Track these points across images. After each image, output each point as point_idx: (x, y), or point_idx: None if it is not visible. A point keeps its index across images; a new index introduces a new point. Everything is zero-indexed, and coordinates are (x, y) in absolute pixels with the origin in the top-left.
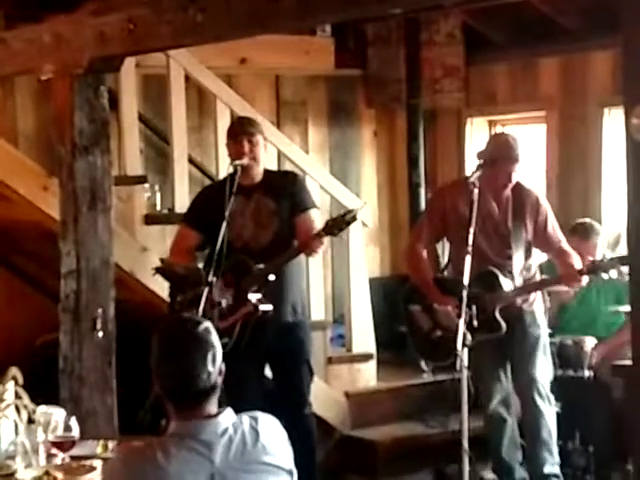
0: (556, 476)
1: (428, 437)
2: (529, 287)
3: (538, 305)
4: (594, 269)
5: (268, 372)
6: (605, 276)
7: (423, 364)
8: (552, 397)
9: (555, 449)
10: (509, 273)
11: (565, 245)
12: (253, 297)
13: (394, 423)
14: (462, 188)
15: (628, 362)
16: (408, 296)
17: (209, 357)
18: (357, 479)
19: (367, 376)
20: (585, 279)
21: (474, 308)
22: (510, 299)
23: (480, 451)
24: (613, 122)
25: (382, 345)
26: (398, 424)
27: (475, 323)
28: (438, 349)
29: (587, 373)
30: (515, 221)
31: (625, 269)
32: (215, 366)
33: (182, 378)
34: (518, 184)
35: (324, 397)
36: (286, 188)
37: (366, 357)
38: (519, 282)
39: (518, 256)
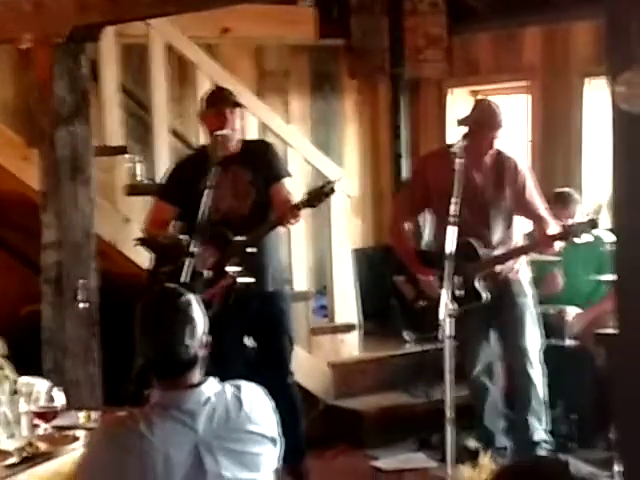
0: (546, 441)
1: (412, 407)
2: (505, 255)
3: (524, 274)
4: (566, 234)
5: (249, 342)
6: (578, 240)
7: (405, 334)
8: (543, 365)
9: (544, 417)
10: (488, 242)
11: (543, 212)
12: (232, 269)
13: (378, 393)
14: (445, 158)
15: (611, 330)
16: (397, 267)
17: (187, 330)
18: (342, 449)
19: (350, 346)
20: (559, 244)
21: (455, 278)
22: (487, 268)
23: (464, 420)
24: (595, 92)
25: (366, 316)
26: (382, 394)
27: (457, 293)
28: (422, 319)
29: (569, 342)
30: (495, 189)
31: (598, 232)
32: (194, 339)
33: (160, 349)
34: (498, 151)
35: (308, 367)
36: (261, 158)
37: (349, 327)
38: (499, 251)
39: (497, 225)
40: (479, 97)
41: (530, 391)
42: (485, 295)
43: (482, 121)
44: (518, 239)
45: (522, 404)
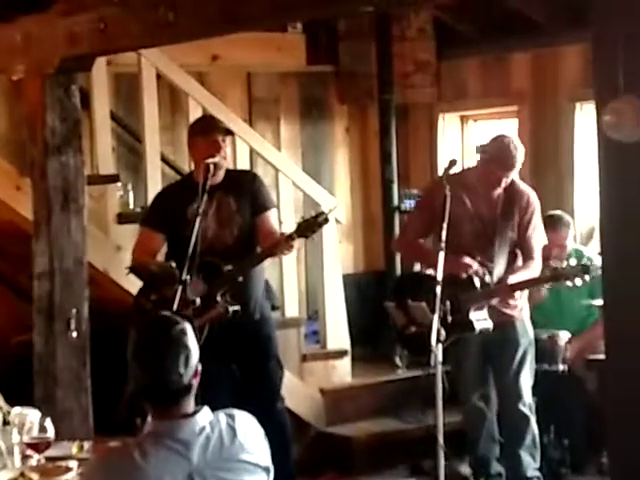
0: (538, 478)
1: (403, 432)
2: (498, 290)
3: (526, 312)
4: (558, 276)
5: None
6: (569, 284)
7: (398, 360)
8: (533, 405)
9: (538, 453)
10: (489, 274)
11: (535, 255)
12: (222, 299)
13: (369, 419)
14: (451, 185)
15: (602, 356)
16: (388, 293)
17: (181, 359)
18: (333, 475)
19: (342, 372)
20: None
21: (448, 304)
22: (483, 301)
23: (456, 446)
24: (585, 116)
25: (356, 341)
26: (373, 420)
27: (449, 319)
28: (413, 345)
29: (561, 367)
30: (503, 221)
31: (591, 256)
32: (188, 367)
33: (154, 378)
34: (512, 183)
35: (299, 394)
36: (247, 187)
37: (341, 353)
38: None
39: (501, 257)
40: (469, 123)
41: (525, 429)
42: (479, 327)
43: (495, 157)
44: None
45: (515, 440)
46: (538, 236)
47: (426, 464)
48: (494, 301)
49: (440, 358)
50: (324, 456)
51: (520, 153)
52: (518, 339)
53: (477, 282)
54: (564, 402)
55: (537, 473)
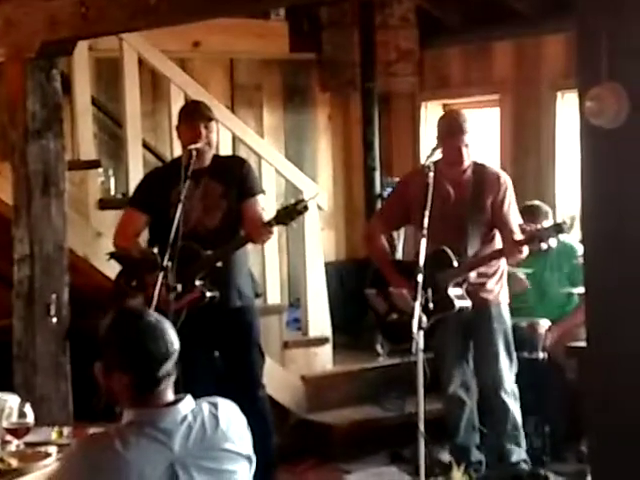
0: (525, 461)
1: (384, 420)
2: (476, 262)
3: (504, 297)
4: (532, 238)
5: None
6: (544, 245)
7: (379, 347)
8: (517, 391)
9: (522, 438)
10: (464, 253)
11: (515, 226)
12: (200, 283)
13: (350, 406)
14: (423, 174)
15: (582, 343)
16: (369, 280)
17: (168, 345)
18: (314, 462)
19: (323, 360)
20: (526, 250)
21: (429, 290)
22: (460, 274)
23: (436, 433)
24: (566, 105)
25: (338, 329)
26: (354, 407)
27: (431, 305)
28: (394, 332)
29: (541, 355)
30: (474, 202)
31: (570, 242)
32: (174, 354)
33: (156, 360)
34: (480, 166)
35: (280, 381)
36: (234, 172)
37: (322, 341)
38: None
39: (474, 239)
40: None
41: (505, 417)
42: (459, 304)
43: (445, 131)
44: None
45: (497, 430)
46: (514, 214)
47: (406, 451)
48: (472, 275)
49: (421, 345)
50: (305, 443)
51: (464, 119)
52: (492, 324)
53: (453, 257)
54: (544, 390)
55: (523, 456)
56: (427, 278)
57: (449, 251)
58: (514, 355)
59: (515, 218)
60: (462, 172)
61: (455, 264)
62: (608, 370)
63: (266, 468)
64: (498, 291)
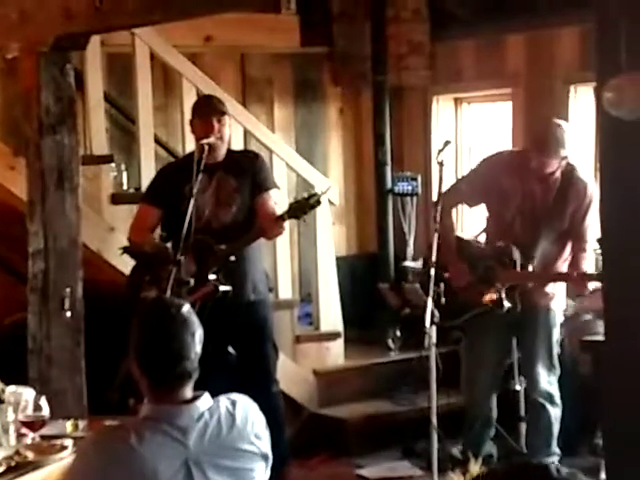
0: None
1: (396, 414)
2: (535, 276)
3: (556, 303)
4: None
5: (232, 351)
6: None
7: (390, 342)
8: (557, 395)
9: (554, 443)
10: (531, 257)
11: (587, 247)
12: (213, 277)
13: (362, 401)
14: (509, 160)
15: (597, 338)
16: (381, 275)
17: (197, 338)
18: (326, 457)
19: (335, 354)
20: (591, 285)
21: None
22: (518, 280)
23: (449, 428)
24: (579, 99)
25: (349, 323)
26: (366, 402)
27: (443, 301)
28: (407, 326)
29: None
30: (555, 206)
31: None
32: (200, 346)
33: (172, 359)
34: (571, 170)
35: (292, 376)
36: (248, 167)
37: (334, 335)
38: (536, 268)
39: (545, 242)
40: (462, 106)
41: (540, 419)
42: (507, 305)
43: (534, 143)
44: (562, 266)
45: (532, 428)
46: (592, 228)
47: (418, 446)
48: (530, 285)
49: (434, 340)
50: (317, 438)
51: (562, 139)
52: (537, 327)
53: (518, 262)
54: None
55: (549, 459)
56: (483, 270)
57: (517, 254)
58: (555, 361)
59: (592, 234)
60: (551, 172)
61: (518, 268)
62: (626, 365)
63: (279, 463)
64: (551, 297)
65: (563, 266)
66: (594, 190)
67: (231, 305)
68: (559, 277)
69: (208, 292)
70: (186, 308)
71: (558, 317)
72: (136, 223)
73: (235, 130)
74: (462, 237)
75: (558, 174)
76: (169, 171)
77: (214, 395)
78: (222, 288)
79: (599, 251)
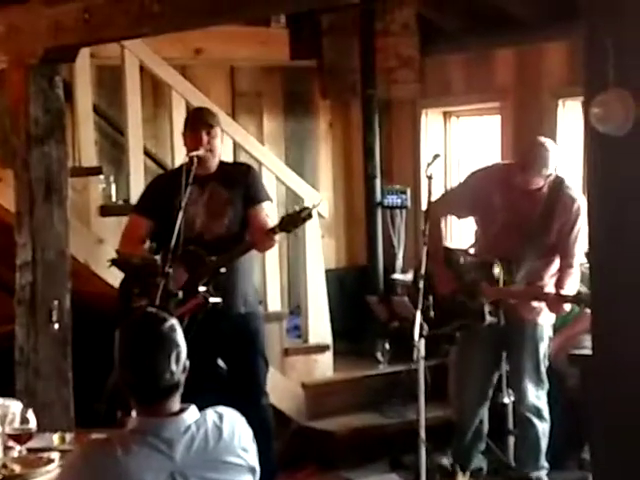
0: (537, 478)
1: (385, 427)
2: (517, 293)
3: (544, 318)
4: (577, 301)
5: (221, 364)
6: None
7: (379, 355)
8: (545, 409)
9: (542, 457)
10: (516, 270)
11: (574, 263)
12: (203, 289)
13: (351, 414)
14: (496, 174)
15: (585, 351)
16: (370, 288)
17: (173, 356)
18: (314, 470)
19: (323, 367)
20: (567, 307)
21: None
22: (499, 296)
23: (437, 440)
24: (568, 113)
25: (338, 336)
26: (355, 414)
27: (432, 314)
28: (395, 339)
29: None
30: (541, 223)
31: None
32: (179, 365)
33: (145, 376)
34: (559, 184)
35: (281, 388)
36: (240, 179)
37: (322, 348)
38: (521, 284)
39: (530, 257)
40: (452, 119)
41: (528, 434)
42: (490, 320)
43: (522, 161)
44: (548, 282)
45: (520, 441)
46: (580, 245)
47: (407, 459)
48: (512, 300)
49: (423, 353)
50: (305, 450)
51: (545, 159)
52: (524, 342)
53: (501, 278)
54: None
55: (541, 474)
56: (468, 283)
57: (499, 269)
58: (544, 375)
59: (580, 250)
60: (537, 188)
61: (501, 284)
62: (613, 379)
63: (267, 476)
64: (537, 311)
65: (551, 281)
66: (582, 204)
67: (221, 317)
68: (536, 296)
69: (198, 304)
70: (168, 324)
71: (546, 331)
72: (126, 234)
73: (224, 142)
74: (450, 247)
75: (545, 189)
76: (160, 182)
77: (204, 407)
78: (212, 300)
79: (587, 266)
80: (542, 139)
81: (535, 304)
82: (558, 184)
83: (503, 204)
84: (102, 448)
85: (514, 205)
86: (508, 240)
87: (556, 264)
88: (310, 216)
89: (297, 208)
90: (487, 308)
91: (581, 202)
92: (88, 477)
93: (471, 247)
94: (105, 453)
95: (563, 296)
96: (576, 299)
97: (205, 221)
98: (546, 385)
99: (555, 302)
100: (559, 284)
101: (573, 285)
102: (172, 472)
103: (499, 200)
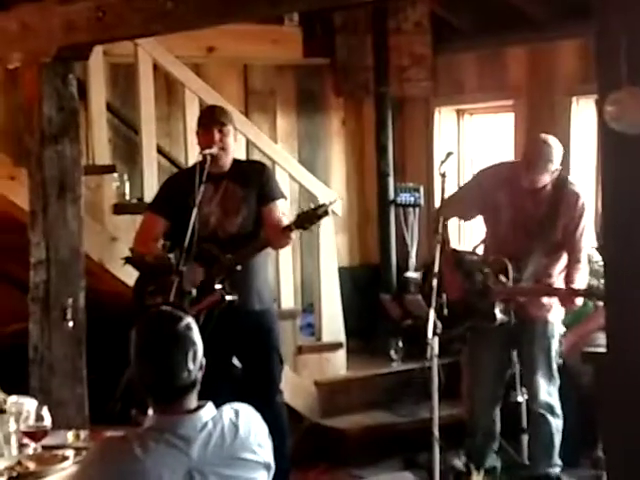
0: (558, 477)
1: (397, 425)
2: (528, 290)
3: (554, 315)
4: (589, 295)
5: (236, 361)
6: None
7: (392, 353)
8: (557, 406)
9: (556, 454)
10: (523, 268)
11: (581, 258)
12: (219, 287)
13: (363, 412)
14: (503, 173)
15: (599, 349)
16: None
17: (189, 355)
18: (327, 468)
19: (337, 365)
20: (579, 301)
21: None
22: (509, 295)
23: (450, 439)
24: (581, 111)
25: (351, 334)
26: (368, 413)
27: (445, 312)
28: (408, 337)
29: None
30: (547, 221)
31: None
32: (195, 363)
33: (162, 375)
34: (563, 181)
35: (294, 386)
36: (254, 177)
37: (335, 346)
38: (529, 281)
39: (537, 256)
40: (464, 117)
41: (541, 431)
42: (500, 319)
43: (525, 160)
44: (557, 279)
45: (533, 438)
46: (586, 240)
47: (420, 457)
48: (522, 298)
49: (436, 351)
50: (318, 448)
51: (549, 154)
52: (534, 339)
53: (510, 275)
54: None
55: (554, 471)
56: (478, 283)
57: (510, 267)
58: (555, 372)
59: (586, 244)
60: (542, 186)
61: (510, 282)
62: (627, 377)
63: (281, 473)
64: (547, 308)
65: (559, 278)
66: (586, 201)
67: (236, 315)
68: (548, 292)
69: (215, 301)
70: (185, 322)
71: (557, 328)
72: (141, 232)
73: (238, 141)
74: (457, 249)
75: (549, 187)
76: (175, 181)
77: (219, 405)
78: (228, 297)
79: (595, 260)
80: (543, 136)
81: (545, 301)
82: (562, 181)
83: (509, 203)
84: (119, 445)
85: (520, 204)
86: (515, 239)
87: (563, 260)
88: (326, 213)
89: (313, 205)
90: (498, 307)
91: (584, 197)
92: (105, 474)
93: (478, 246)
94: (122, 450)
95: (575, 290)
96: (587, 293)
97: (219, 219)
98: (557, 382)
99: (567, 297)
100: (569, 279)
101: (583, 279)
102: (189, 469)
103: (505, 199)
